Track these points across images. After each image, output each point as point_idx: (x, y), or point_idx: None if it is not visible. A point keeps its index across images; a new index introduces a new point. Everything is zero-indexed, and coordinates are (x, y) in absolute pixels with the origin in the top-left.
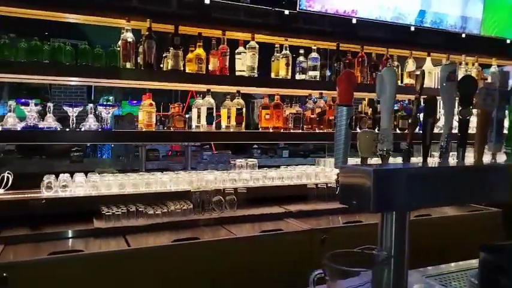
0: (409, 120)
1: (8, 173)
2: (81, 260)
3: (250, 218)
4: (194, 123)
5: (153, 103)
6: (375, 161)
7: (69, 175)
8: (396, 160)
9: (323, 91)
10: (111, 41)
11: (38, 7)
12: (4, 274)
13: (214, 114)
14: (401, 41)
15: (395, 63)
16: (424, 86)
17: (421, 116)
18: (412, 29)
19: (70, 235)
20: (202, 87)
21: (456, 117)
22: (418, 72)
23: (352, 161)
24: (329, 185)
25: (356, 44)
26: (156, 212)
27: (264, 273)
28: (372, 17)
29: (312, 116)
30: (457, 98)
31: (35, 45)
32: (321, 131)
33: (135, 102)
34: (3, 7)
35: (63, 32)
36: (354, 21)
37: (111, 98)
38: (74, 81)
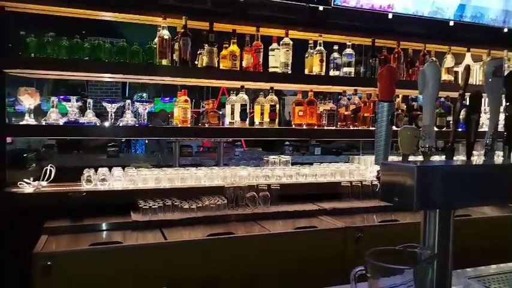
0: (452, 118)
1: (50, 166)
2: (120, 251)
3: (284, 215)
4: (228, 120)
5: (188, 99)
6: (413, 158)
7: (107, 169)
8: (435, 159)
9: (358, 87)
10: (148, 38)
11: (76, 5)
12: (48, 263)
13: (248, 110)
14: (440, 37)
15: (433, 59)
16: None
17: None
18: (451, 23)
19: (109, 227)
20: (236, 84)
21: (502, 115)
22: (456, 69)
23: (391, 159)
24: (364, 183)
25: (392, 40)
26: (191, 207)
27: (297, 269)
28: (409, 12)
29: (346, 113)
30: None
31: (76, 43)
32: (355, 128)
33: (167, 99)
34: (43, 6)
35: (100, 30)
36: (390, 16)
37: (144, 95)
38: (112, 77)
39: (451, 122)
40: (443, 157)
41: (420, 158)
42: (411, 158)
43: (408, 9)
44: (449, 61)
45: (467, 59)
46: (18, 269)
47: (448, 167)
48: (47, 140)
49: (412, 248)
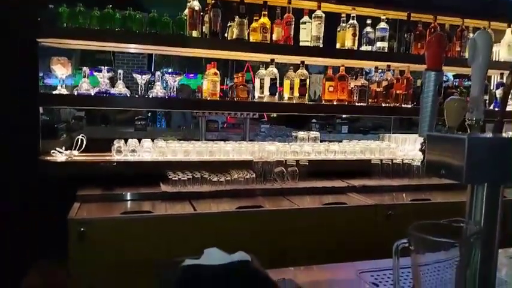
0: (502, 93)
1: (82, 136)
2: (150, 220)
3: (312, 190)
4: (257, 94)
5: (218, 72)
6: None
7: (137, 140)
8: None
9: (391, 63)
10: (178, 10)
11: None
12: (82, 229)
13: (277, 84)
14: (479, 11)
15: (471, 35)
16: (503, 59)
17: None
18: None
19: (138, 197)
20: (266, 57)
21: None
22: (495, 48)
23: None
24: (394, 161)
25: (429, 14)
26: (220, 180)
27: (326, 245)
28: None
29: (378, 90)
30: None
31: (107, 13)
32: (387, 105)
33: (192, 75)
34: None
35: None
36: None
37: (169, 70)
38: (142, 49)
39: (487, 101)
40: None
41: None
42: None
43: None
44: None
45: (508, 36)
46: (53, 235)
47: (501, 139)
48: (76, 112)
49: (458, 223)
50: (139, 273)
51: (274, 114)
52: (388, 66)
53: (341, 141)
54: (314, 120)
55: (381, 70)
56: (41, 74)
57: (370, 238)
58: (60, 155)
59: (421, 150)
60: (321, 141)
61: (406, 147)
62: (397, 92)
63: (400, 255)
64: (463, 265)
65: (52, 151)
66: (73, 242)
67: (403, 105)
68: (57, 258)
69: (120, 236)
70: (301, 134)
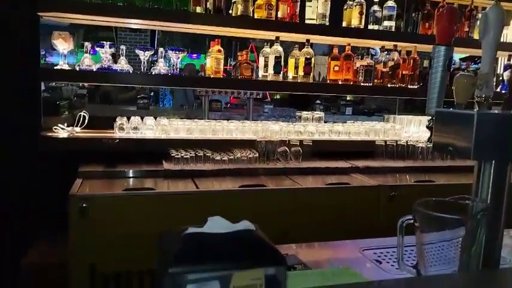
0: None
1: (84, 113)
2: (153, 197)
3: (315, 171)
4: (261, 73)
5: (222, 49)
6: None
7: (139, 118)
8: None
9: (398, 43)
10: None
11: None
12: (84, 205)
13: (282, 63)
14: None
15: (479, 15)
16: None
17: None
18: None
19: (141, 174)
20: (271, 35)
21: None
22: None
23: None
24: (399, 142)
25: None
26: (223, 158)
27: (328, 225)
28: None
29: (384, 70)
30: None
31: None
32: (392, 85)
33: (195, 55)
34: None
35: None
36: None
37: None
38: (145, 24)
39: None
40: None
41: None
42: None
43: None
44: None
45: None
46: (54, 210)
47: (510, 115)
48: (78, 89)
49: (464, 200)
50: (141, 250)
51: (278, 96)
52: (395, 46)
53: (345, 122)
54: (318, 102)
55: (386, 52)
56: (42, 52)
57: (373, 219)
58: (62, 132)
59: (428, 127)
60: (325, 122)
61: (411, 129)
62: (404, 72)
63: (404, 234)
64: (468, 242)
65: (54, 127)
66: (74, 218)
67: (409, 86)
68: (59, 235)
69: (122, 213)
70: (305, 113)
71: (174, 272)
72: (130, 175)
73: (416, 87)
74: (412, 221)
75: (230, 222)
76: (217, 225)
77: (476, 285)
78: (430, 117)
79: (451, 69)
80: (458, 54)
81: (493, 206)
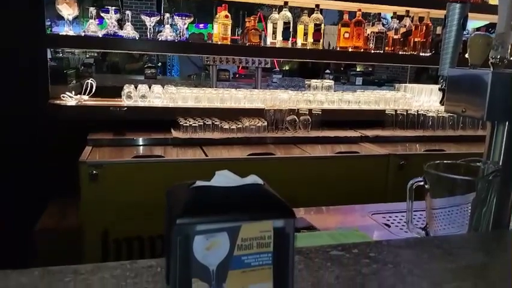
0: None
1: (91, 80)
2: (162, 164)
3: (324, 140)
4: (269, 40)
5: (229, 15)
6: None
7: (147, 86)
8: None
9: (410, 8)
10: None
11: None
12: (94, 171)
13: (291, 30)
14: None
15: None
16: None
17: None
18: None
19: (149, 142)
20: (279, 0)
21: None
22: None
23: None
24: (409, 111)
25: None
26: (231, 127)
27: (337, 193)
28: None
29: (396, 37)
30: None
31: None
32: (404, 53)
33: (202, 25)
34: None
35: None
36: None
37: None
38: None
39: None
40: None
41: None
42: None
43: None
44: None
45: None
46: (65, 178)
47: None
48: (85, 58)
49: (475, 162)
50: (151, 216)
51: (287, 67)
52: (407, 12)
53: (355, 92)
54: (328, 71)
55: (398, 20)
56: (48, 23)
57: (382, 188)
58: (70, 99)
59: (440, 89)
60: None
61: (422, 98)
62: (415, 39)
63: (414, 199)
64: (479, 203)
65: (62, 95)
66: (85, 185)
67: (421, 54)
68: (69, 202)
69: (132, 180)
70: (314, 82)
71: (181, 223)
72: (139, 143)
73: (428, 55)
74: (422, 183)
75: (238, 176)
76: (225, 179)
77: (486, 245)
78: (442, 79)
79: (466, 27)
80: (473, 23)
81: (505, 168)
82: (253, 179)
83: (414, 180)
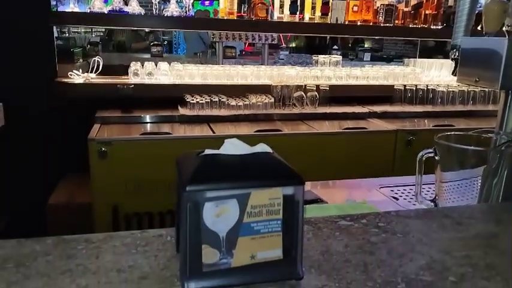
0: None
1: (98, 58)
2: (170, 141)
3: (332, 116)
4: (276, 14)
5: None
6: None
7: (153, 63)
8: None
9: None
10: None
11: None
12: (103, 148)
13: (299, 3)
14: None
15: None
16: None
17: None
18: None
19: (157, 119)
20: None
21: None
22: None
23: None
24: (418, 87)
25: None
26: (238, 104)
27: (345, 168)
28: None
29: (406, 9)
30: None
31: None
32: (414, 26)
33: (207, 3)
34: None
35: None
36: None
37: None
38: None
39: None
40: None
41: None
42: None
43: None
44: None
45: None
46: (74, 153)
47: None
48: (91, 37)
49: (486, 133)
50: (160, 192)
51: (294, 44)
52: None
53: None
54: (335, 47)
55: None
56: (53, 3)
57: (390, 164)
58: (77, 77)
59: (453, 59)
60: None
61: (431, 73)
62: (426, 12)
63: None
64: (490, 174)
65: (69, 73)
66: (94, 162)
67: (432, 27)
68: (81, 178)
69: (140, 157)
70: (322, 57)
71: (191, 190)
72: (147, 120)
73: (440, 27)
74: (432, 155)
75: (247, 145)
76: (234, 147)
77: (496, 215)
78: (455, 49)
79: None
80: None
81: None
82: (262, 147)
83: (424, 152)
